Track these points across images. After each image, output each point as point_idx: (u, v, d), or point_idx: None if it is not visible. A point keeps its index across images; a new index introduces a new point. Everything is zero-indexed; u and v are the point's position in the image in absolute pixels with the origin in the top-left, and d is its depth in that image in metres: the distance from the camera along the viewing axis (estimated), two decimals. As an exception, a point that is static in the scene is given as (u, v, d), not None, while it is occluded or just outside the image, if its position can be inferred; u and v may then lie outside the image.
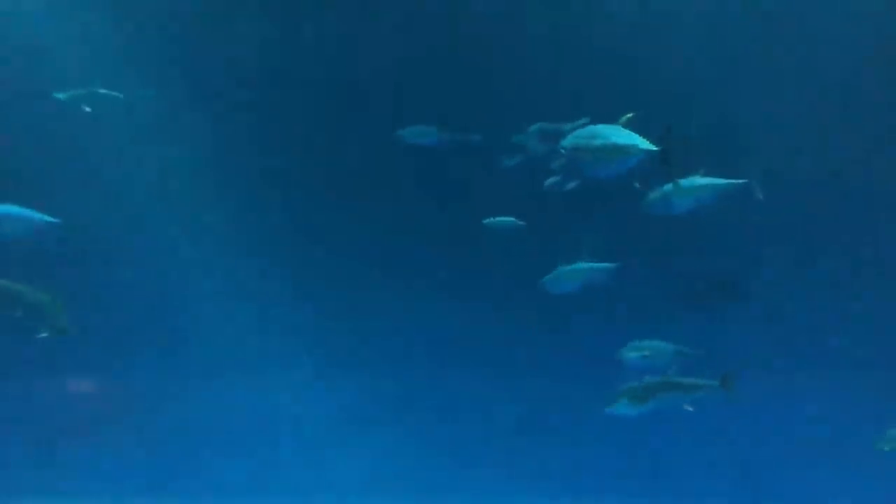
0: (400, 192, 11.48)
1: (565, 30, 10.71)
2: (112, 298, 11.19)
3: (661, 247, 10.94)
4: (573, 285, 9.18)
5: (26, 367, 10.97)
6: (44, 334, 7.73)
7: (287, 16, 10.93)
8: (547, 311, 10.72)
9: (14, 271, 7.96)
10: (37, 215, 7.96)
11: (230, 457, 11.21)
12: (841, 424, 10.45)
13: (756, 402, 10.42)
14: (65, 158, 10.90)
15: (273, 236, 11.60)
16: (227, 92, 11.08)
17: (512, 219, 9.59)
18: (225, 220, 11.47)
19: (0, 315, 7.66)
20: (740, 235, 11.13)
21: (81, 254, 11.17)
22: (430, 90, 10.81)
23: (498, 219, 9.56)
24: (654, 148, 6.07)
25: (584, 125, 6.32)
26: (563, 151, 6.15)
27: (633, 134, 6.12)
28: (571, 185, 9.37)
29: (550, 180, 9.54)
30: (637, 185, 7.54)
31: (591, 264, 9.07)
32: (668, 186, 7.47)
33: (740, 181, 7.50)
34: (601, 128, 6.13)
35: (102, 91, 9.74)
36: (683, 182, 7.41)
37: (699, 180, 7.53)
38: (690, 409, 7.45)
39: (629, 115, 6.28)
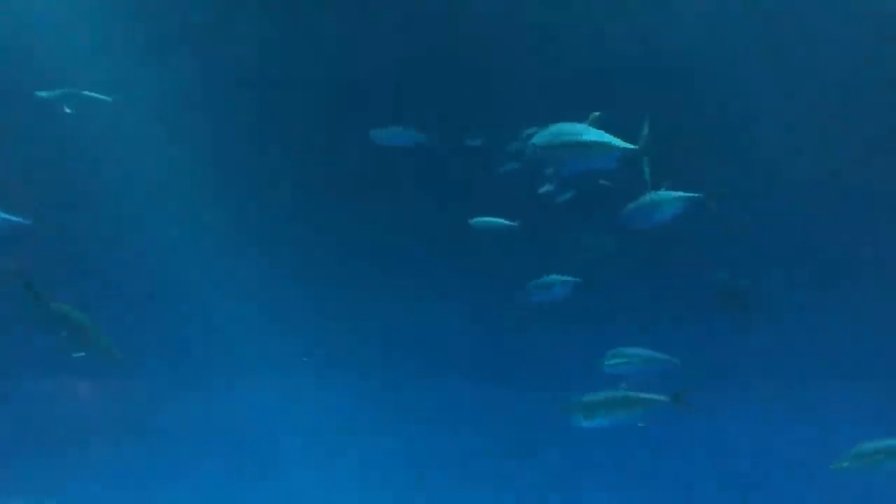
0: (402, 193, 11.48)
1: (566, 31, 10.71)
2: (108, 300, 11.21)
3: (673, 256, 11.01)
4: (546, 296, 9.22)
5: (33, 369, 11.02)
6: (81, 354, 7.84)
7: (288, 15, 10.93)
8: (547, 313, 10.77)
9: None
10: (3, 215, 7.86)
11: (230, 459, 11.18)
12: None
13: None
14: (65, 158, 10.91)
15: (275, 236, 11.61)
16: (228, 92, 11.06)
17: (501, 220, 9.33)
18: (225, 219, 11.48)
19: (47, 335, 7.80)
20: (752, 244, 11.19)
21: (83, 254, 11.22)
22: (431, 90, 10.81)
23: (486, 219, 9.32)
24: (625, 146, 6.15)
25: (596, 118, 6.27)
26: (531, 149, 6.25)
27: (602, 132, 6.18)
28: (567, 194, 9.42)
29: (545, 188, 9.56)
30: (605, 182, 7.50)
31: (560, 277, 9.12)
32: (643, 198, 7.54)
33: (698, 195, 7.51)
34: (570, 126, 6.20)
35: (87, 93, 9.63)
36: (654, 195, 7.49)
37: (669, 193, 7.57)
38: (642, 424, 7.42)
39: (597, 113, 6.34)
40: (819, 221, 11.00)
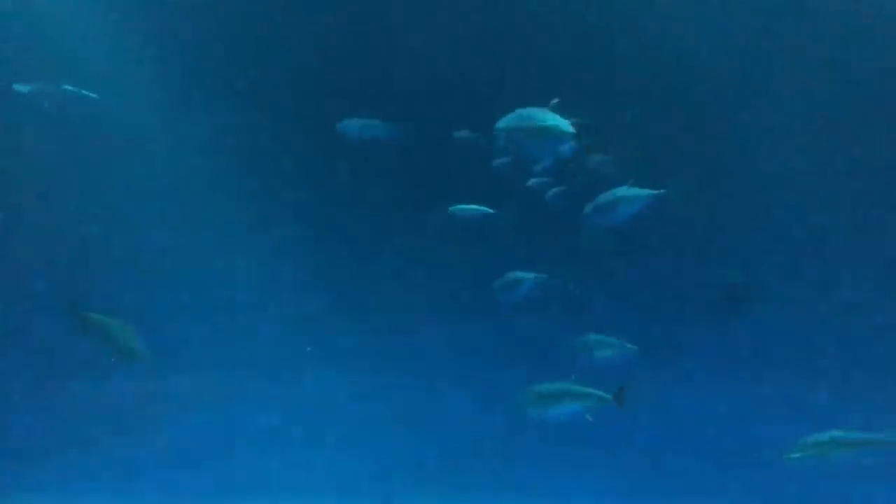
0: (405, 193, 11.49)
1: (559, 24, 10.73)
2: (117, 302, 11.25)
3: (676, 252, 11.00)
4: (517, 294, 9.28)
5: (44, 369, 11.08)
6: (113, 359, 8.01)
7: (289, 15, 10.97)
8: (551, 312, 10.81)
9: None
10: None
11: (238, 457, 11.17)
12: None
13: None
14: (65, 159, 10.98)
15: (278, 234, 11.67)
16: (234, 93, 11.10)
17: (480, 207, 9.17)
18: (234, 219, 11.54)
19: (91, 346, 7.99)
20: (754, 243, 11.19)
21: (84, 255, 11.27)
22: (432, 92, 10.84)
23: (465, 207, 9.15)
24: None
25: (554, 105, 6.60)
26: (497, 133, 6.54)
27: (558, 117, 6.44)
28: (555, 189, 9.44)
29: (532, 181, 9.54)
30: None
31: (529, 274, 9.15)
32: (601, 197, 7.78)
33: (660, 191, 7.65)
34: (532, 111, 6.46)
35: (69, 88, 9.50)
36: (616, 192, 7.74)
37: (629, 190, 7.75)
38: (590, 418, 7.42)
39: (556, 100, 6.63)
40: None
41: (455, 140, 9.71)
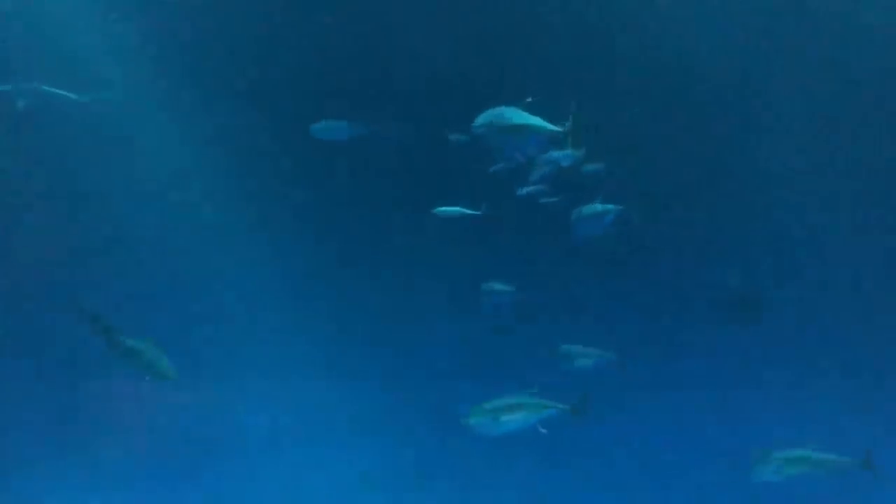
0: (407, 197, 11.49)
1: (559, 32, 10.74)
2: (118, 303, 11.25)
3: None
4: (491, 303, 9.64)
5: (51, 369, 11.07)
6: (147, 379, 8.13)
7: (289, 15, 10.96)
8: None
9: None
10: None
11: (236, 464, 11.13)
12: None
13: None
14: (64, 160, 10.98)
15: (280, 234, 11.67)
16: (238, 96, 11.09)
17: (459, 208, 9.20)
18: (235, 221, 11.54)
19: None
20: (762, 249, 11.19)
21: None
22: (432, 92, 10.82)
23: (449, 208, 9.22)
24: (553, 128, 6.75)
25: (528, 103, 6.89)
26: (474, 131, 6.83)
27: (532, 116, 6.77)
28: (549, 198, 9.57)
29: (525, 189, 9.60)
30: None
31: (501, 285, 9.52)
32: (583, 209, 8.44)
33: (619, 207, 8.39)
34: (507, 109, 6.75)
35: (47, 88, 9.47)
36: (588, 209, 8.45)
37: (596, 207, 8.48)
38: (544, 430, 7.43)
39: (529, 99, 6.81)
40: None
41: (450, 142, 9.71)
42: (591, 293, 11.65)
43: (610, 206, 8.41)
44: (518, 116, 6.71)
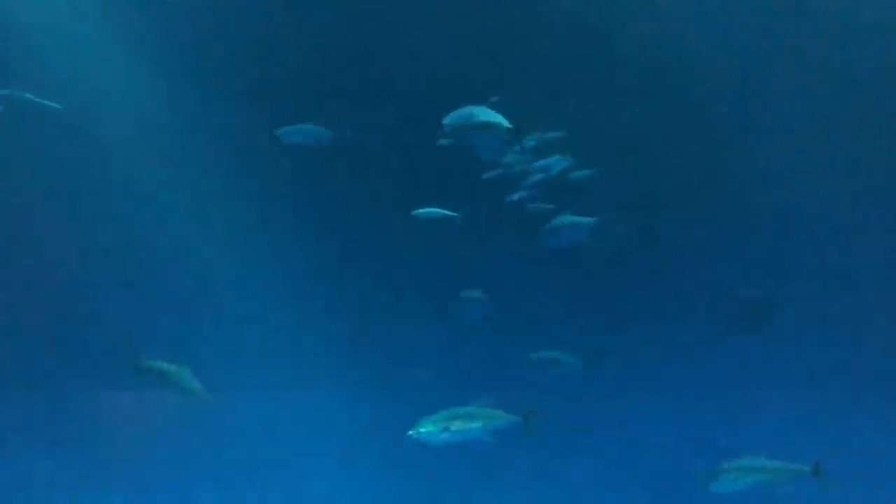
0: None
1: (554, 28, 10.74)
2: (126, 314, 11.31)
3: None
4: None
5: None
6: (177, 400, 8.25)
7: (289, 15, 10.95)
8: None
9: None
10: None
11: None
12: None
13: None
14: (63, 160, 10.99)
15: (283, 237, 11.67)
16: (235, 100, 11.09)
17: (443, 210, 9.12)
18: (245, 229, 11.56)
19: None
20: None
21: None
22: (432, 92, 10.79)
23: (428, 210, 9.13)
24: (509, 125, 7.16)
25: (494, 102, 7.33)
26: (445, 129, 7.29)
27: (493, 113, 7.21)
28: (537, 204, 9.73)
29: (517, 195, 9.65)
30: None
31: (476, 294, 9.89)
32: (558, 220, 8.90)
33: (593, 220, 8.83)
34: (474, 108, 7.23)
35: (30, 96, 9.51)
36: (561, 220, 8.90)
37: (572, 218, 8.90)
38: (488, 440, 7.48)
39: (495, 98, 7.40)
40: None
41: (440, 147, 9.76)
42: (592, 294, 11.66)
43: (584, 219, 8.78)
44: (483, 114, 7.12)
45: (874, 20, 10.21)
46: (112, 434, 11.38)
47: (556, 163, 9.20)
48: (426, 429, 7.23)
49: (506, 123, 7.12)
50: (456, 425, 7.26)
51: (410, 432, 7.17)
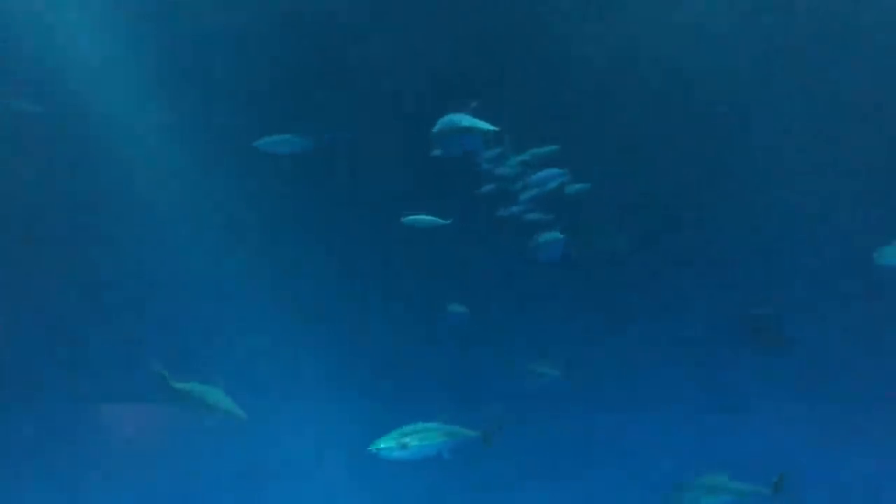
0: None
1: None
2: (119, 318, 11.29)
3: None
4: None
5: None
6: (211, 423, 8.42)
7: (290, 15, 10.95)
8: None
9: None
10: None
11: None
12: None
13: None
14: (62, 160, 10.99)
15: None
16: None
17: (432, 217, 9.12)
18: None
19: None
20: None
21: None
22: (432, 92, 10.80)
23: (418, 217, 9.13)
24: (490, 128, 7.67)
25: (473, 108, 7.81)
26: (433, 139, 7.86)
27: (474, 118, 7.78)
28: (533, 215, 10.00)
29: (512, 209, 9.84)
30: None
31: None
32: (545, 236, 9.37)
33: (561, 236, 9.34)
34: (457, 115, 7.79)
35: (13, 102, 9.58)
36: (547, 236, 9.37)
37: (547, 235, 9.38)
38: (448, 456, 7.54)
39: (474, 104, 7.76)
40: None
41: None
42: (592, 297, 11.67)
43: (557, 236, 9.27)
44: (465, 120, 7.69)
45: (874, 20, 10.22)
46: (109, 446, 11.37)
47: (552, 177, 9.34)
48: (384, 445, 7.33)
49: (487, 127, 7.61)
50: (414, 441, 7.35)
51: (370, 448, 7.29)
